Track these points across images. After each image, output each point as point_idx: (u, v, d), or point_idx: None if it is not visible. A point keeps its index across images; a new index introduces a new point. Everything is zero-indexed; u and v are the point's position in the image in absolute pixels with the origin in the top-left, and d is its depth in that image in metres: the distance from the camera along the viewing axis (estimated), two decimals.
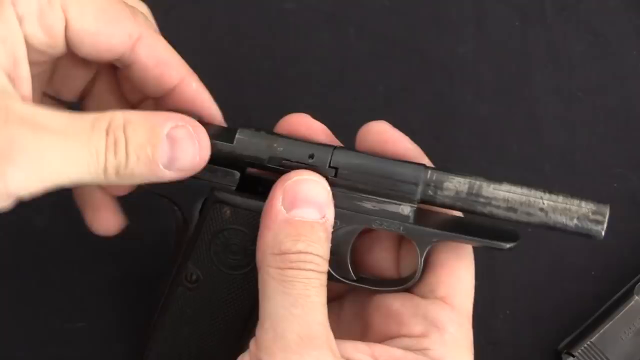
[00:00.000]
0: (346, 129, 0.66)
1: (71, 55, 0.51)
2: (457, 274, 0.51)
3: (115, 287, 0.62)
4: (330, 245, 0.48)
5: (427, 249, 0.50)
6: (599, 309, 0.62)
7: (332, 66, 0.68)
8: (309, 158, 0.50)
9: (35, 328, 0.61)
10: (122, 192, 0.55)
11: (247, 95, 0.67)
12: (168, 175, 0.47)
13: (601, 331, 0.60)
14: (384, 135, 0.53)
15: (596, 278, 0.64)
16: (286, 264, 0.45)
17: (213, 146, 0.49)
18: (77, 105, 0.56)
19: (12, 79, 0.47)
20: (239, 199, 0.50)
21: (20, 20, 0.47)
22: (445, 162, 0.65)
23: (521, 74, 0.67)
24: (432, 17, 0.69)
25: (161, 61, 0.51)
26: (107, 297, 0.62)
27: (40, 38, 0.48)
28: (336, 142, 0.54)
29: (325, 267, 0.47)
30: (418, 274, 0.50)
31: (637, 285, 0.61)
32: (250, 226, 0.50)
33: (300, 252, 0.46)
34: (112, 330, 0.61)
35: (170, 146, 0.47)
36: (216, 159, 0.50)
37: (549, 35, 0.68)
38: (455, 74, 0.67)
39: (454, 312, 0.50)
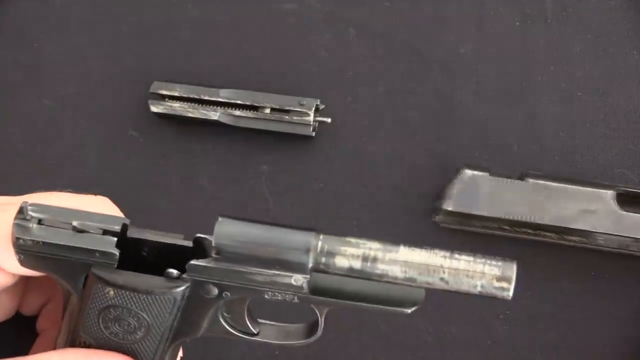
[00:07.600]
0: (346, 129, 0.67)
1: None
2: None
3: None
4: None
5: (327, 309, 0.49)
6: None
7: (332, 66, 0.68)
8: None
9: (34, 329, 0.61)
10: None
11: None
12: None
13: None
14: None
15: (595, 277, 0.64)
16: None
17: None
18: None
19: None
20: (121, 280, 0.47)
21: None
22: (445, 162, 0.66)
23: (521, 74, 0.67)
24: (432, 17, 0.69)
25: None
26: None
27: None
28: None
29: None
30: (319, 332, 0.50)
31: None
32: (136, 302, 0.48)
33: None
34: None
35: None
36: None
37: (549, 35, 0.68)
38: (455, 74, 0.67)
39: None
